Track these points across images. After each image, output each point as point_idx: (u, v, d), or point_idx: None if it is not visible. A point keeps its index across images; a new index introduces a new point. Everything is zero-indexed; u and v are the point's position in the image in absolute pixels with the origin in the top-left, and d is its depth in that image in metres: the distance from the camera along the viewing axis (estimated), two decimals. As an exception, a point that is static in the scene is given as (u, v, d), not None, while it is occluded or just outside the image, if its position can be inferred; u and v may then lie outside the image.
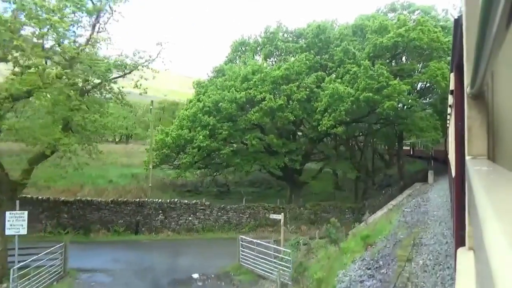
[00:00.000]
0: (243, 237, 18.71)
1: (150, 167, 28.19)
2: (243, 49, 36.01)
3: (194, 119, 27.30)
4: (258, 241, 17.62)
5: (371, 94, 24.53)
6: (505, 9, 0.74)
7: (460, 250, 1.84)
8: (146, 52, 17.72)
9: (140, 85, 16.29)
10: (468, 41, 1.67)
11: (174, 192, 31.25)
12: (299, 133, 33.59)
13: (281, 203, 28.87)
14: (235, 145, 29.28)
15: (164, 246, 21.94)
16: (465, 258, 1.59)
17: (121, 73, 16.54)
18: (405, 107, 29.95)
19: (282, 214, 18.29)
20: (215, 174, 30.97)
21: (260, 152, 28.74)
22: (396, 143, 34.39)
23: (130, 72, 16.33)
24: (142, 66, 15.91)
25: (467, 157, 1.73)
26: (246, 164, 27.66)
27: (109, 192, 27.83)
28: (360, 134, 35.21)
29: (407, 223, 14.32)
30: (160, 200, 26.15)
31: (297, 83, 27.39)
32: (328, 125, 25.50)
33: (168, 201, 26.17)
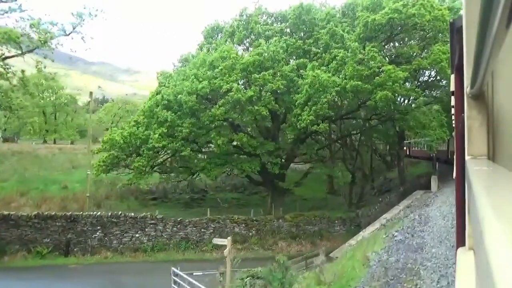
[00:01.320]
0: (175, 269, 16.71)
1: (88, 172, 26.75)
2: (217, 35, 34.89)
3: (151, 114, 25.69)
4: (198, 273, 15.81)
5: (360, 83, 22.89)
6: (505, 9, 0.87)
7: (460, 250, 2.01)
8: (59, 25, 16.00)
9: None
10: (468, 41, 1.83)
11: (136, 201, 30.15)
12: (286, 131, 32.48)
13: (258, 213, 27.86)
14: (199, 146, 28.09)
15: (96, 273, 19.75)
16: (465, 258, 1.75)
17: (19, 50, 14.62)
18: (405, 101, 29.08)
19: (229, 238, 15.64)
20: (189, 177, 29.54)
21: (233, 154, 27.72)
22: (397, 143, 33.40)
23: (32, 50, 14.72)
24: (45, 42, 14.25)
25: (467, 157, 1.90)
26: (215, 168, 26.20)
27: (52, 203, 26.57)
28: (354, 132, 34.21)
29: (388, 268, 10.82)
30: (98, 213, 24.16)
31: (272, 71, 25.81)
32: (308, 121, 23.57)
33: (110, 214, 24.12)
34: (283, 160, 28.39)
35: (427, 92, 30.29)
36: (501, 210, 0.80)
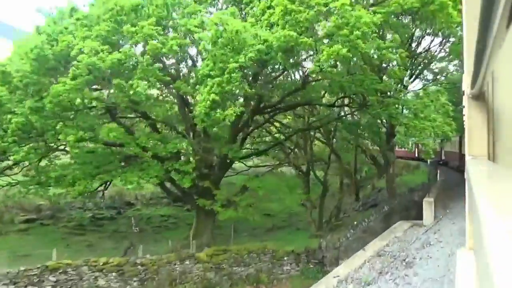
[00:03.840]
0: None
1: None
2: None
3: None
4: None
5: (294, 34, 13.31)
6: (505, 9, 0.87)
7: (460, 250, 2.01)
8: None
9: None
10: (468, 41, 1.82)
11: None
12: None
13: (185, 243, 18.90)
14: (50, 145, 18.26)
15: None
16: (465, 258, 1.75)
17: None
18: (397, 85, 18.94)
19: None
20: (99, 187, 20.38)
21: (114, 157, 18.11)
22: (385, 142, 23.63)
23: None
24: None
25: (467, 157, 1.89)
26: (82, 181, 16.67)
27: None
28: (318, 124, 24.00)
29: None
30: None
31: (165, 21, 16.74)
32: (207, 104, 13.87)
33: None
34: (205, 170, 19.18)
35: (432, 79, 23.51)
36: (501, 210, 0.80)
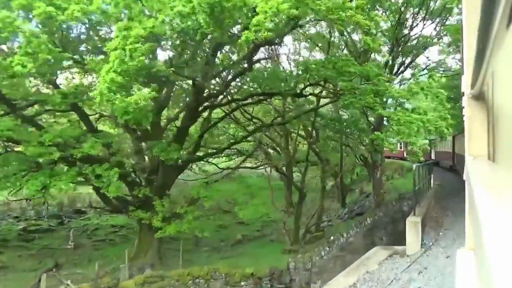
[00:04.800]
0: None
1: None
2: None
3: None
4: None
5: None
6: (505, 9, 0.86)
7: (460, 250, 2.01)
8: None
9: None
10: (468, 41, 1.82)
11: None
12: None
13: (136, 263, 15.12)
14: None
15: None
16: (465, 258, 1.74)
17: None
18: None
19: None
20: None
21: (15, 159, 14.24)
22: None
23: None
24: None
25: (467, 157, 1.89)
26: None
27: None
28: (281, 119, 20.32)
29: None
30: None
31: None
32: (105, 87, 10.53)
33: None
34: (143, 176, 16.27)
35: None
36: (501, 210, 0.79)
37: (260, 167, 25.82)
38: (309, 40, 23.25)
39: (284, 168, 23.13)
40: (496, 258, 0.60)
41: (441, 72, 22.73)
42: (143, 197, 15.49)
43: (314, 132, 22.52)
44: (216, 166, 23.88)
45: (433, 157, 29.93)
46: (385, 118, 16.23)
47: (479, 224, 0.84)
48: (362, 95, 13.48)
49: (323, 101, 19.90)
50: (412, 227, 10.99)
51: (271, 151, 25.12)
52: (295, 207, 21.21)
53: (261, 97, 18.55)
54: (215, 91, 16.84)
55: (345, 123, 20.54)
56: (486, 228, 0.72)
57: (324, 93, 17.38)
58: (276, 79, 16.57)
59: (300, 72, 15.49)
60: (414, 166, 13.04)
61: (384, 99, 15.25)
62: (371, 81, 13.78)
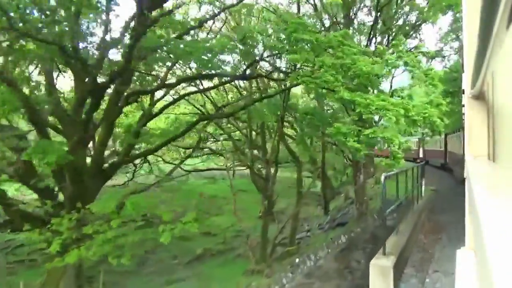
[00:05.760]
0: None
1: None
2: None
3: None
4: None
5: None
6: (505, 9, 0.86)
7: (460, 250, 2.01)
8: None
9: None
10: (469, 41, 1.82)
11: None
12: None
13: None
14: None
15: None
16: (465, 258, 1.74)
17: None
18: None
19: None
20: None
21: None
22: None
23: None
24: None
25: (467, 157, 1.89)
26: None
27: None
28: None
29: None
30: None
31: None
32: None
33: None
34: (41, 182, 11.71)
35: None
36: (501, 210, 0.79)
37: (240, 168, 22.63)
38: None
39: (263, 170, 19.87)
40: (496, 258, 0.60)
41: (439, 61, 20.83)
42: (52, 211, 11.26)
43: (283, 126, 19.04)
44: (180, 168, 19.86)
45: (420, 155, 28.93)
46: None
47: (479, 224, 0.84)
48: (323, 71, 9.64)
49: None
50: (379, 277, 6.11)
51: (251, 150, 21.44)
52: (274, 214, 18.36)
53: (196, 81, 15.15)
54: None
55: (327, 118, 15.70)
56: (486, 228, 0.72)
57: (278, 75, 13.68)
58: (199, 55, 11.28)
59: (241, 46, 11.52)
60: (382, 176, 7.28)
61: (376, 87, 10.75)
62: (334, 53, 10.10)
